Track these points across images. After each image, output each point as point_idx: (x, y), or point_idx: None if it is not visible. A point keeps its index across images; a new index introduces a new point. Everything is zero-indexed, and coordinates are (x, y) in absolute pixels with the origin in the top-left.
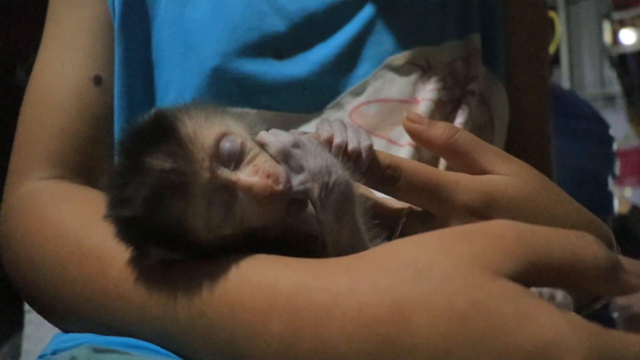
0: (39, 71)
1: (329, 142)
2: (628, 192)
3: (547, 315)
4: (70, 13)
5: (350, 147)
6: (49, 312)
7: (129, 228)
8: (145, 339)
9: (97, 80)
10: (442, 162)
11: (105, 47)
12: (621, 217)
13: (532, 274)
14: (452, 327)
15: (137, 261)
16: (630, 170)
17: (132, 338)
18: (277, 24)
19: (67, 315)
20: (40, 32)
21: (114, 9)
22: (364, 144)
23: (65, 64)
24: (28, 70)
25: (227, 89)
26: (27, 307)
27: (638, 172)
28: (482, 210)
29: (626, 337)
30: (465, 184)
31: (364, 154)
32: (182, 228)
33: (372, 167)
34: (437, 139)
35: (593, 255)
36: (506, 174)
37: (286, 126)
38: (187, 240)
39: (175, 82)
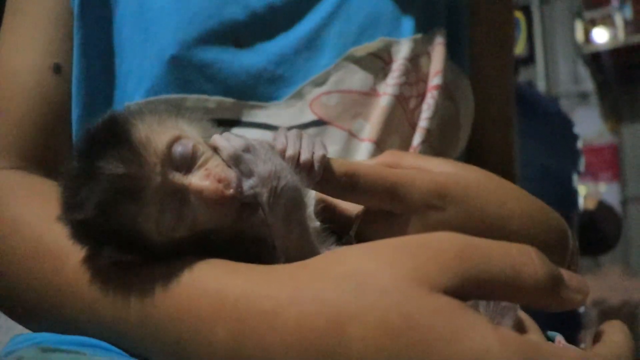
0: None
1: (282, 153)
2: (602, 187)
3: (479, 332)
4: (30, 1)
5: (302, 158)
6: (7, 308)
7: (83, 230)
8: (98, 338)
9: (57, 69)
10: (413, 147)
11: (65, 35)
12: (588, 213)
13: (471, 289)
14: (385, 341)
15: (92, 261)
16: (604, 166)
17: (85, 337)
18: (237, 12)
19: (25, 312)
20: None
21: None
22: (317, 154)
23: (24, 52)
24: None
25: (186, 77)
26: None
27: (611, 168)
28: (438, 202)
29: (557, 352)
30: (420, 180)
31: (316, 165)
32: (134, 231)
33: (327, 177)
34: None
35: (533, 271)
36: (449, 169)
37: (245, 114)
38: (140, 242)
39: (135, 70)
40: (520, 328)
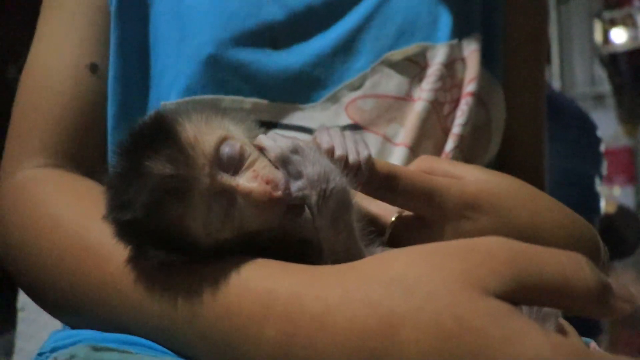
0: (35, 58)
1: (329, 153)
2: (617, 190)
3: (530, 337)
4: (67, 1)
5: (351, 159)
6: (43, 300)
7: (129, 230)
8: (142, 336)
9: (93, 68)
10: (445, 153)
11: (101, 34)
12: (608, 217)
13: (521, 294)
14: (438, 343)
15: (136, 260)
16: (619, 169)
17: (129, 335)
18: (275, 12)
19: (62, 306)
20: (32, 30)
21: None
22: (363, 155)
23: (61, 50)
24: (20, 68)
25: (222, 77)
26: (19, 304)
27: (627, 171)
28: (471, 214)
29: (605, 358)
30: (456, 189)
31: (363, 166)
32: (181, 231)
33: (370, 177)
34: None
35: (584, 279)
36: (482, 177)
37: (281, 116)
38: (186, 243)
39: (171, 69)
40: (561, 332)
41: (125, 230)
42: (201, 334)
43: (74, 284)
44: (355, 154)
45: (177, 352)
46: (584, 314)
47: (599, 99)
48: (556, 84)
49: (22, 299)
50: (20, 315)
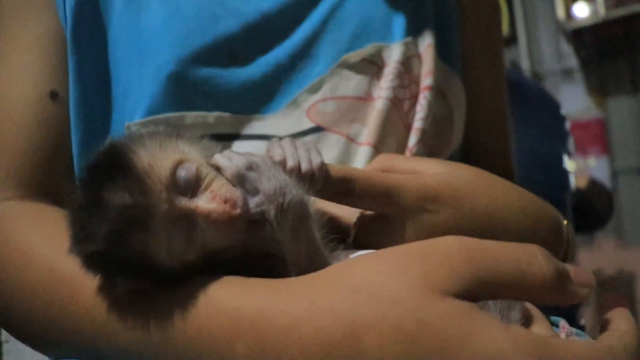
0: None
1: (281, 165)
2: (592, 161)
3: (491, 333)
4: (21, 30)
5: (304, 168)
6: (23, 336)
7: (94, 261)
8: None
9: (53, 96)
10: (408, 148)
11: (60, 61)
12: (580, 192)
13: (480, 291)
14: (401, 348)
15: (107, 289)
16: (592, 140)
17: None
18: (231, 25)
19: (42, 340)
20: None
21: (65, 20)
22: (316, 162)
23: (20, 81)
24: None
25: (184, 94)
26: (3, 337)
27: (599, 142)
28: (430, 206)
29: (569, 346)
30: (412, 184)
31: (317, 174)
32: (146, 258)
33: (326, 183)
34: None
35: (539, 270)
36: (440, 169)
37: (244, 127)
38: (153, 268)
39: (133, 90)
40: (527, 318)
41: (91, 262)
42: (176, 358)
43: (50, 319)
44: (308, 163)
45: None
46: (544, 303)
47: (567, 73)
48: (525, 62)
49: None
50: (5, 347)
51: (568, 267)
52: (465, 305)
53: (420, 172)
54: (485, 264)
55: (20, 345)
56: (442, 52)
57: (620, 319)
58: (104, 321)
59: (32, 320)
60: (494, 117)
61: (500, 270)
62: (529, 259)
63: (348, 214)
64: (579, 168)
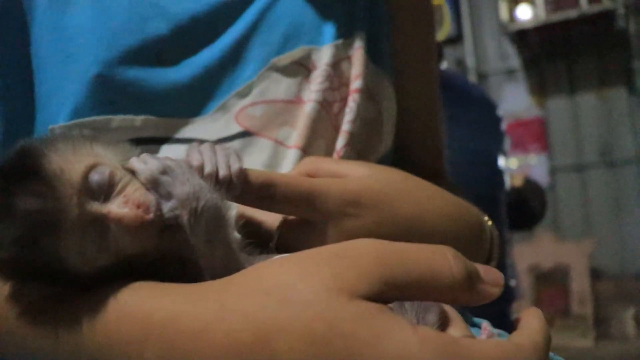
0: None
1: (199, 171)
2: (532, 158)
3: (399, 334)
4: None
5: (221, 174)
6: None
7: (4, 267)
8: None
9: None
10: (337, 151)
11: None
12: (516, 190)
13: (390, 292)
14: (310, 349)
15: (19, 294)
16: (533, 138)
17: None
18: (160, 27)
19: None
20: None
21: None
22: (234, 168)
23: None
24: None
25: (110, 97)
26: None
27: (540, 140)
28: (352, 210)
29: (477, 345)
30: (335, 189)
31: (235, 179)
32: (57, 264)
33: (245, 189)
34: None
35: (449, 270)
36: (364, 172)
37: (172, 131)
38: (65, 274)
39: (57, 91)
40: (444, 321)
41: (2, 267)
42: None
43: None
44: (226, 169)
45: None
46: (455, 302)
47: (510, 73)
48: (470, 61)
49: None
50: None
51: (479, 266)
52: (374, 306)
53: (345, 175)
54: (396, 265)
55: None
56: (373, 53)
57: (531, 318)
58: (15, 328)
59: None
60: (425, 118)
61: (410, 271)
62: (439, 259)
63: (272, 218)
64: (520, 165)
